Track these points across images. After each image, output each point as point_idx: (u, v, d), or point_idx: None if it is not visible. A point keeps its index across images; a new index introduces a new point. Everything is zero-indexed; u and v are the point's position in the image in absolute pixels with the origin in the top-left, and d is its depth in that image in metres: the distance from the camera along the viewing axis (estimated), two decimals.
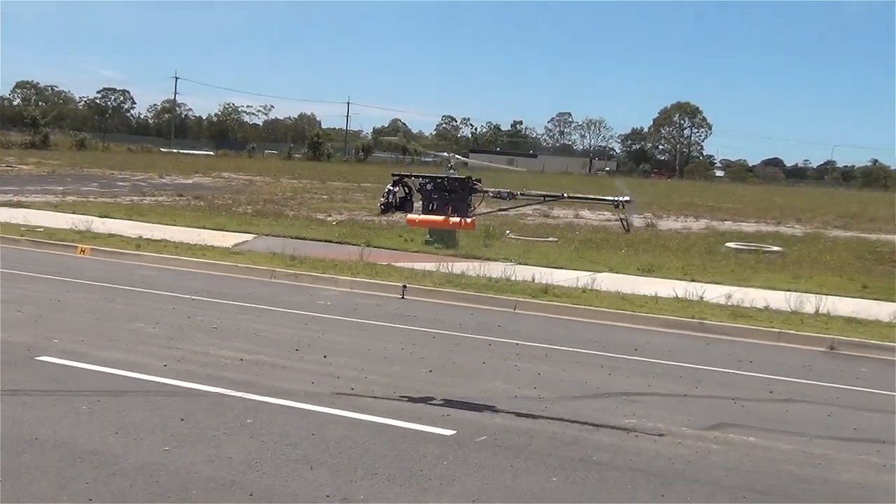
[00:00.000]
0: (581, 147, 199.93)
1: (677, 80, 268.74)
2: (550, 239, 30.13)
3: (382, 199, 10.37)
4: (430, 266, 21.27)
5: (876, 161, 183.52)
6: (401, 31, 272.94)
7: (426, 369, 11.93)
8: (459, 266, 21.16)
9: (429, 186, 10.24)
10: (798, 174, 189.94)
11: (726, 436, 9.68)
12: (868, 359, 14.71)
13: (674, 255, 26.95)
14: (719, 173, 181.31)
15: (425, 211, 10.27)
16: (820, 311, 17.69)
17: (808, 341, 15.59)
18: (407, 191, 10.40)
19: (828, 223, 46.81)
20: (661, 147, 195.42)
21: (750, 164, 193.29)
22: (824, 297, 18.73)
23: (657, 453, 8.90)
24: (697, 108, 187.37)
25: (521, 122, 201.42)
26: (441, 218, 10.18)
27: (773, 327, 16.21)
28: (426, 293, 18.38)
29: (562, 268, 22.70)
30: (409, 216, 10.43)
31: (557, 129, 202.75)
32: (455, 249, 25.17)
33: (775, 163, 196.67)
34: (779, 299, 18.56)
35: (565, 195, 10.91)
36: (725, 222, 43.40)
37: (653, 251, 27.77)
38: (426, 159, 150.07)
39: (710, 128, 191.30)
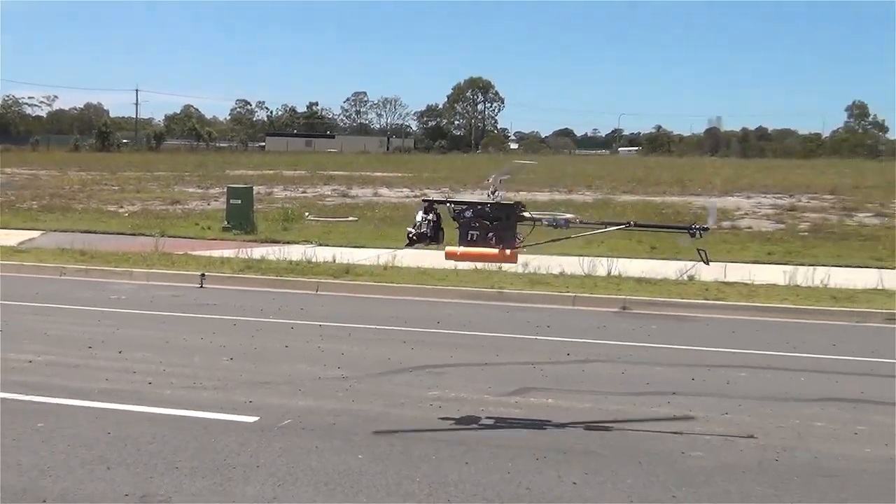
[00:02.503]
0: (378, 126, 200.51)
1: (469, 55, 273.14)
2: (350, 219, 30.11)
3: (413, 230, 9.22)
4: (228, 253, 20.90)
5: (660, 127, 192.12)
6: (189, 13, 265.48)
7: (227, 357, 11.70)
8: (259, 251, 20.94)
9: (467, 214, 9.08)
10: (588, 143, 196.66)
11: (527, 400, 9.93)
12: (658, 316, 15.37)
13: None
14: (514, 145, 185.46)
15: (463, 242, 9.09)
16: (612, 274, 18.40)
17: (601, 303, 16.17)
18: (436, 218, 9.23)
19: (616, 188, 48.58)
20: (456, 123, 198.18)
21: (543, 136, 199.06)
22: (615, 259, 19.48)
23: (460, 422, 9.04)
24: (490, 83, 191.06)
25: (317, 104, 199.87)
26: (492, 251, 8.99)
27: (568, 292, 16.72)
28: (226, 280, 18.06)
29: (363, 247, 22.77)
30: (449, 249, 9.26)
31: (354, 108, 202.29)
32: (254, 235, 24.88)
33: (566, 133, 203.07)
34: (573, 264, 19.14)
35: (632, 223, 10.06)
36: (520, 193, 44.32)
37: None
38: (221, 144, 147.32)
39: (502, 101, 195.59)
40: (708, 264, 9.73)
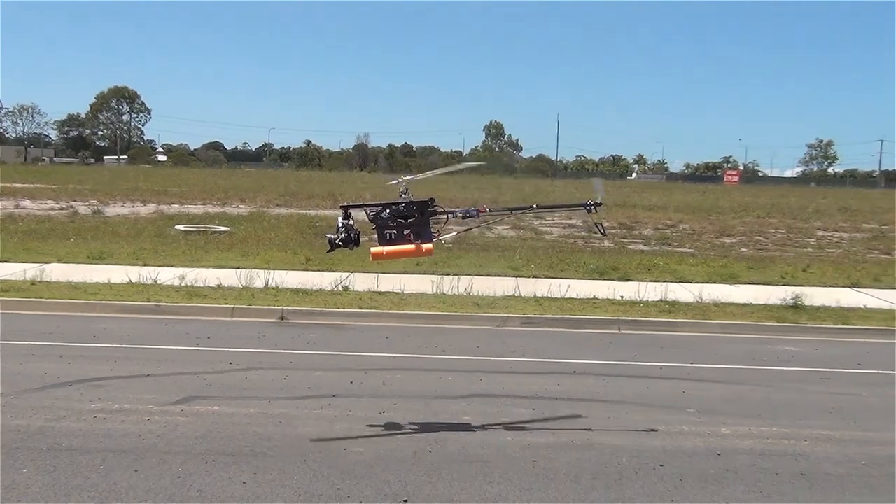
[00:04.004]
0: (14, 135, 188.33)
1: (112, 63, 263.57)
2: None
3: (334, 235, 9.24)
4: None
5: (310, 142, 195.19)
6: None
7: None
8: None
9: (384, 214, 9.23)
10: (239, 156, 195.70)
11: (192, 408, 10.10)
12: (316, 325, 15.89)
13: (124, 241, 26.74)
14: (162, 157, 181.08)
15: (382, 242, 9.25)
16: (269, 286, 18.74)
17: (260, 314, 16.47)
18: (353, 223, 9.33)
19: (270, 202, 48.89)
20: (100, 133, 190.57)
21: (192, 148, 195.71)
22: (272, 271, 19.85)
23: (126, 432, 9.08)
24: (136, 93, 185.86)
25: None
26: (412, 247, 9.22)
27: (227, 304, 16.88)
28: None
29: (6, 261, 21.66)
30: (374, 250, 9.29)
31: None
32: None
33: (216, 146, 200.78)
34: (230, 277, 19.36)
35: (535, 206, 10.39)
36: (173, 206, 43.68)
37: (102, 238, 27.35)
38: None
39: (149, 112, 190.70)
40: (604, 235, 10.72)
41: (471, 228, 10.50)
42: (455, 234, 10.92)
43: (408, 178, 9.63)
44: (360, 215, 9.74)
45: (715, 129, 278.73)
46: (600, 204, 9.71)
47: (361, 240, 9.48)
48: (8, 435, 8.83)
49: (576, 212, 10.90)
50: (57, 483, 7.56)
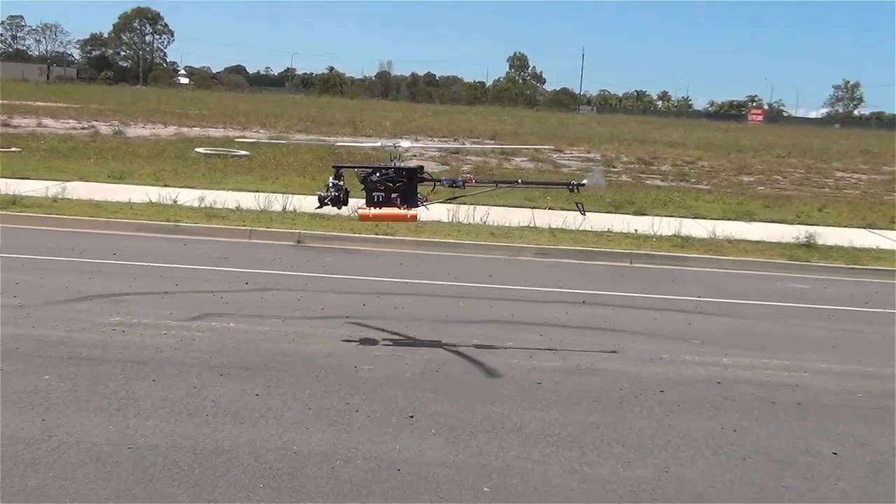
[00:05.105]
0: (37, 53, 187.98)
1: None
2: (13, 149, 28.72)
3: (324, 193, 9.54)
4: None
5: (332, 68, 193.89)
6: None
7: None
8: None
9: (374, 177, 9.48)
10: (261, 81, 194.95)
11: (209, 324, 10.40)
12: (331, 249, 16.15)
13: (145, 162, 26.99)
14: (184, 80, 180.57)
15: (369, 203, 9.53)
16: (287, 209, 18.97)
17: (277, 237, 16.73)
18: (343, 182, 9.60)
19: (291, 127, 48.91)
20: (123, 53, 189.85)
21: (214, 72, 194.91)
22: (290, 196, 20.04)
23: (144, 345, 9.39)
24: (158, 14, 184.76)
25: None
26: (398, 211, 9.51)
27: (245, 226, 17.14)
28: None
29: (29, 178, 21.94)
30: (361, 211, 9.61)
31: (9, 33, 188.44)
32: None
33: (239, 70, 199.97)
34: (249, 200, 19.58)
35: (520, 181, 10.81)
36: (194, 128, 43.81)
37: (123, 158, 27.60)
38: None
39: (172, 35, 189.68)
40: (584, 215, 11.19)
41: (457, 197, 10.77)
42: (440, 201, 11.12)
43: (406, 143, 10.10)
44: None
45: (741, 69, 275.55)
46: (583, 184, 9.97)
47: (350, 200, 9.70)
48: (30, 344, 9.15)
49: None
50: (78, 389, 7.87)
